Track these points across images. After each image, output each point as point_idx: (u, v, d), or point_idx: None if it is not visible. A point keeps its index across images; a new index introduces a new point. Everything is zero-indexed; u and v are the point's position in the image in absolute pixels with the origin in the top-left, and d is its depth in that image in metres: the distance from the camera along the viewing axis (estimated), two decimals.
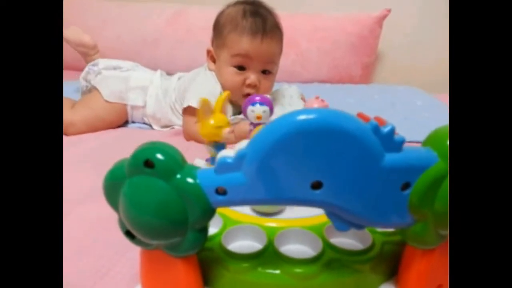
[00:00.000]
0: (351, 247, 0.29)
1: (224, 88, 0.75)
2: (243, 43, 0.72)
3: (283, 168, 0.22)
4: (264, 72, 0.75)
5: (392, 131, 0.22)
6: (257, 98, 0.45)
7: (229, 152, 0.23)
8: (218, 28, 0.76)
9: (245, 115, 0.46)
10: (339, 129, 0.21)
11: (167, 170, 0.23)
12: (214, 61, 0.78)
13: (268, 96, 0.48)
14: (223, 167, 0.23)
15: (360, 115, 0.23)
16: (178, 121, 0.79)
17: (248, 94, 0.74)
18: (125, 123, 0.83)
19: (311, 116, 0.21)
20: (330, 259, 0.28)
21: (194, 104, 0.72)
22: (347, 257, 0.28)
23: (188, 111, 0.74)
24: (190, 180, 0.23)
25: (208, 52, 0.79)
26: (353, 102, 0.97)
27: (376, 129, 0.21)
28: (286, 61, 1.32)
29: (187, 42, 1.31)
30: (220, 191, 0.23)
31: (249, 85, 0.73)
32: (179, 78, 0.83)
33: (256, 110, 0.44)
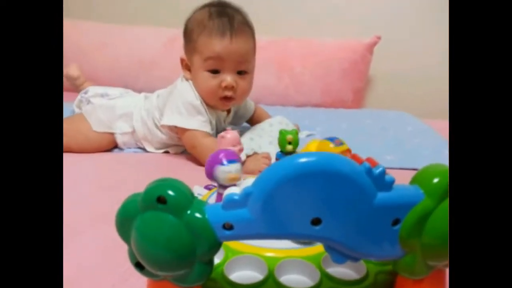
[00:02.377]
0: (346, 277, 0.31)
1: (201, 94, 0.75)
2: (213, 45, 0.70)
3: (285, 205, 0.24)
4: (240, 72, 0.74)
5: (383, 172, 0.24)
6: (222, 154, 0.37)
7: (235, 189, 0.25)
8: (187, 34, 0.75)
9: (211, 177, 0.38)
10: (335, 171, 0.23)
11: (178, 206, 0.25)
12: (189, 69, 0.77)
13: (232, 148, 0.43)
14: (230, 203, 0.25)
15: (354, 156, 0.25)
16: (169, 140, 0.80)
17: (226, 97, 0.74)
18: (113, 148, 0.84)
19: (311, 159, 0.23)
20: None
21: (180, 123, 0.73)
22: (343, 286, 0.30)
23: (181, 130, 0.75)
24: (199, 215, 0.25)
25: (182, 60, 0.77)
26: (346, 127, 1.00)
27: (368, 171, 0.24)
28: (280, 85, 1.37)
29: None
30: (227, 227, 0.25)
31: (225, 88, 0.72)
32: (158, 96, 0.83)
33: (228, 169, 0.36)
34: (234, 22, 0.72)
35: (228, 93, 0.73)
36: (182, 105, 0.74)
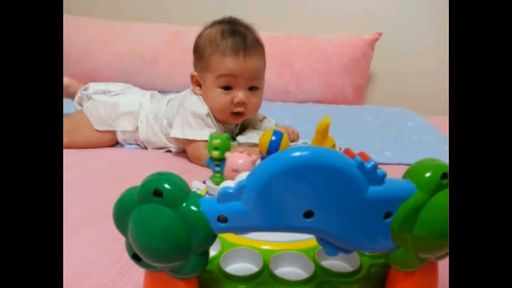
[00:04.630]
0: (340, 269, 0.32)
1: (213, 109, 0.76)
2: (226, 63, 0.72)
3: (278, 198, 0.24)
4: (251, 88, 0.76)
5: (375, 166, 0.25)
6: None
7: (230, 183, 0.26)
8: (199, 51, 0.77)
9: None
10: (327, 164, 0.24)
11: (174, 199, 0.25)
12: (199, 85, 0.78)
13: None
14: (225, 196, 0.25)
15: (346, 151, 0.26)
16: (172, 146, 0.81)
17: (237, 113, 0.76)
18: (115, 144, 0.85)
19: (304, 153, 0.24)
20: (321, 281, 0.30)
21: (189, 136, 0.74)
22: (337, 278, 0.31)
23: (187, 142, 0.76)
24: (194, 208, 0.25)
25: (192, 77, 0.79)
26: (346, 123, 1.01)
27: (360, 165, 0.24)
28: (281, 81, 1.37)
29: (185, 62, 1.34)
30: (222, 219, 0.25)
31: (237, 104, 0.74)
32: (168, 102, 0.83)
33: None
34: (247, 41, 0.73)
35: (240, 109, 0.75)
36: (192, 118, 0.75)
